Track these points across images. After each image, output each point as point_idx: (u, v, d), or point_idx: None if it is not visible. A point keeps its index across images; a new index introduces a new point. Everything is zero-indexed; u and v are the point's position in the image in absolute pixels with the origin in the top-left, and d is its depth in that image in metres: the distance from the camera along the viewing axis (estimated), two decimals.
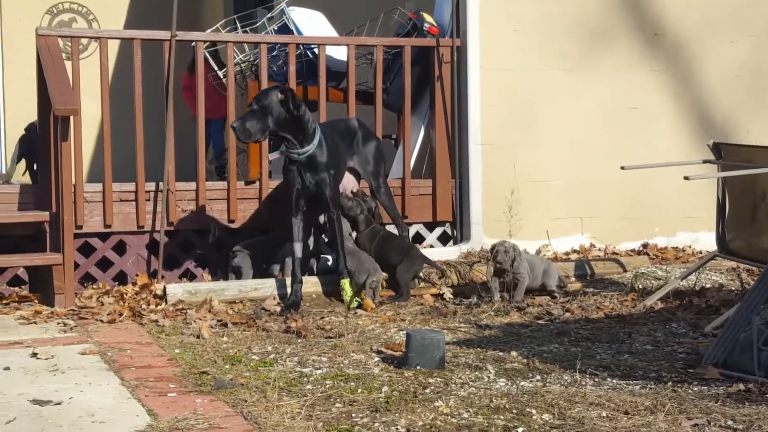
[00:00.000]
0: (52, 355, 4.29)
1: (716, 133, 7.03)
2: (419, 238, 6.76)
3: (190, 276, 6.23)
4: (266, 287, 5.67)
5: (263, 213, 6.34)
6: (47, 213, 5.83)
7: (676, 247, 7.12)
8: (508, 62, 6.90)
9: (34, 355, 4.28)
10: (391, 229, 6.16)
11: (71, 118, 5.61)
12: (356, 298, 5.50)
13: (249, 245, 6.03)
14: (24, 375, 3.96)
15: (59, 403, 3.52)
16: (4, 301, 5.66)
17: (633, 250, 7.06)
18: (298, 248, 5.54)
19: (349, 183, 5.95)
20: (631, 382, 3.81)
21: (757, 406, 3.43)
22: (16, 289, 5.96)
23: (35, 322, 5.11)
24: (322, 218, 5.85)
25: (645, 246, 7.12)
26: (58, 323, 5.07)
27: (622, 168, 5.60)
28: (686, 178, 4.79)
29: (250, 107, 5.41)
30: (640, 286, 5.78)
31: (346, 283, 5.54)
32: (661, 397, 3.52)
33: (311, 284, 5.71)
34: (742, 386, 3.66)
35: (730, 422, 3.25)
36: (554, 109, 7.03)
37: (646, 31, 7.24)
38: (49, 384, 3.80)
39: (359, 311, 5.37)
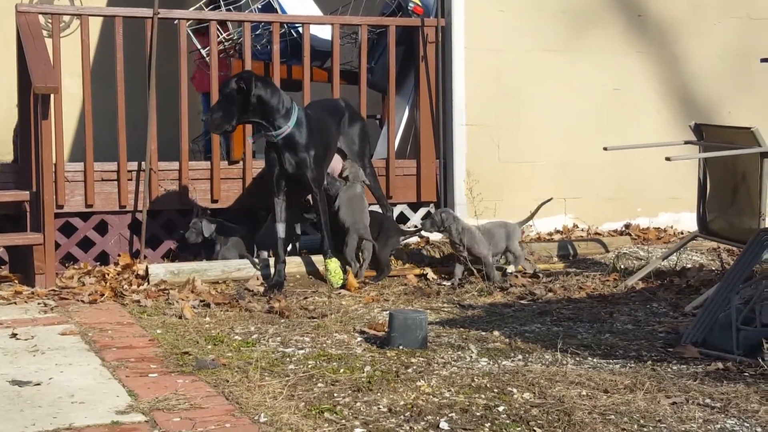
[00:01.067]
0: (32, 335, 4.27)
1: (699, 115, 7.04)
2: (403, 219, 6.76)
3: (173, 256, 6.21)
4: (249, 267, 5.66)
5: (249, 193, 6.32)
6: (27, 192, 5.79)
7: (658, 228, 7.16)
8: (494, 43, 6.88)
9: (14, 335, 4.27)
10: (376, 209, 6.15)
11: (51, 96, 5.56)
12: (341, 277, 5.47)
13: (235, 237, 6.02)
14: (3, 356, 3.94)
15: (39, 384, 3.51)
16: None
17: (615, 231, 7.09)
18: (281, 228, 5.53)
19: (337, 164, 5.94)
20: (611, 361, 3.83)
21: (735, 384, 3.46)
22: None
23: (15, 303, 5.09)
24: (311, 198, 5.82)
25: (627, 227, 7.15)
26: (39, 303, 5.05)
27: (605, 149, 5.61)
28: (668, 159, 4.80)
29: (218, 95, 5.38)
30: (622, 267, 5.81)
31: (330, 262, 5.53)
32: (640, 376, 3.55)
33: (294, 264, 5.70)
34: (720, 365, 3.69)
35: (708, 400, 3.27)
36: (540, 91, 7.03)
37: (631, 13, 7.23)
38: (28, 365, 3.79)
39: (343, 291, 5.37)
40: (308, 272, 5.71)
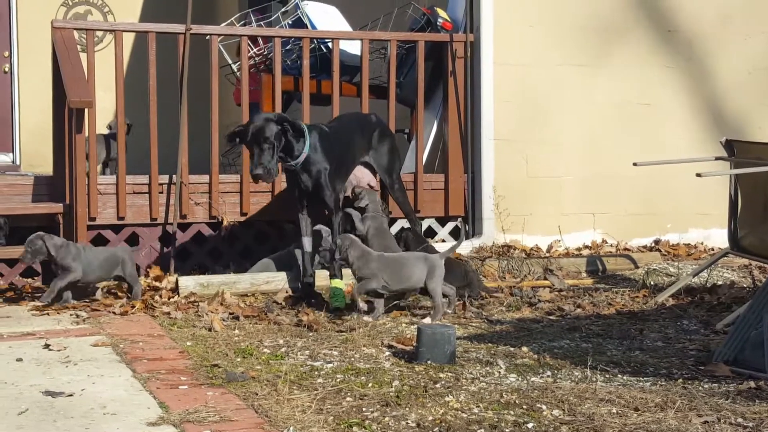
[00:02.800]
0: (65, 346, 4.32)
1: (728, 130, 7.01)
2: (431, 233, 6.77)
3: (202, 268, 6.26)
4: (278, 280, 5.69)
5: (277, 206, 6.36)
6: (61, 205, 5.87)
7: (688, 244, 7.11)
8: (522, 58, 6.89)
9: (47, 346, 4.32)
10: (404, 223, 6.17)
11: (85, 110, 5.64)
12: (339, 301, 5.23)
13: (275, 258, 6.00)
14: (36, 366, 3.99)
15: (71, 395, 3.54)
16: (17, 292, 5.70)
17: (645, 247, 7.05)
18: (306, 242, 5.55)
19: (365, 176, 5.95)
20: (641, 378, 3.81)
21: (767, 403, 3.43)
22: (29, 280, 6.00)
23: (48, 314, 5.14)
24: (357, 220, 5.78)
25: (657, 242, 7.11)
26: (71, 315, 5.11)
27: (635, 164, 5.59)
28: (698, 175, 4.77)
29: (257, 147, 5.24)
30: (652, 283, 5.78)
31: (336, 282, 5.36)
32: (671, 394, 3.52)
33: (322, 278, 5.71)
34: (752, 384, 3.66)
35: (740, 420, 3.25)
36: (568, 105, 7.02)
37: (660, 28, 7.22)
38: (61, 375, 3.83)
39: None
40: None
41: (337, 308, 5.18)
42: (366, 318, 4.91)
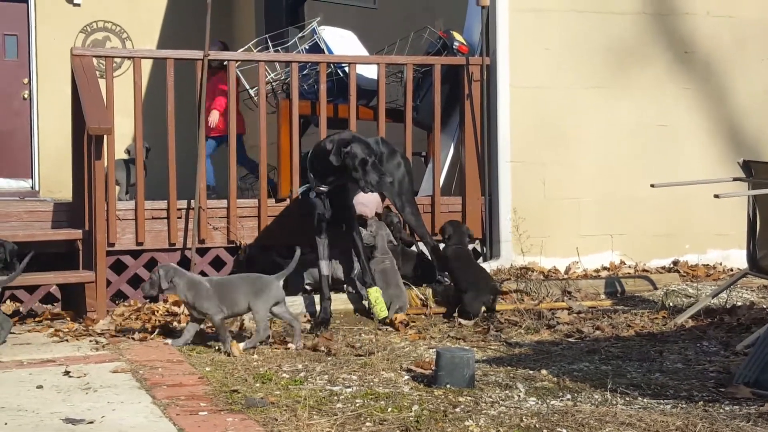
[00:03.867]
0: (85, 373, 4.33)
1: (746, 151, 6.98)
2: None
3: None
4: (296, 305, 5.69)
5: (294, 231, 6.38)
6: (80, 231, 5.90)
7: (707, 265, 7.08)
8: (538, 80, 6.91)
9: (67, 373, 4.33)
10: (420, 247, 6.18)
11: (104, 136, 5.69)
12: (385, 308, 5.48)
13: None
14: (57, 393, 4.00)
15: (92, 422, 3.55)
16: (36, 319, 5.73)
17: (663, 268, 7.02)
18: (324, 266, 5.57)
19: (371, 203, 5.94)
20: (662, 401, 3.79)
21: None
22: (49, 306, 6.03)
23: (67, 340, 5.17)
24: (364, 232, 5.83)
25: (675, 263, 7.08)
26: (91, 341, 5.12)
27: (652, 186, 5.58)
28: (716, 196, 4.77)
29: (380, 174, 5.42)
30: (671, 304, 5.75)
31: (373, 291, 5.55)
32: (692, 417, 3.50)
33: (340, 302, 5.73)
34: None
35: None
36: (584, 127, 7.02)
37: (677, 49, 7.22)
38: (81, 402, 3.84)
39: (389, 328, 5.38)
40: (354, 309, 5.74)
41: (383, 319, 5.37)
42: (167, 341, 4.93)
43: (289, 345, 4.85)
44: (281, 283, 4.89)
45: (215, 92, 7.74)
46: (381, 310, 5.50)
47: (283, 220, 6.42)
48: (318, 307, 5.59)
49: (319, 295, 5.62)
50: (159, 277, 4.83)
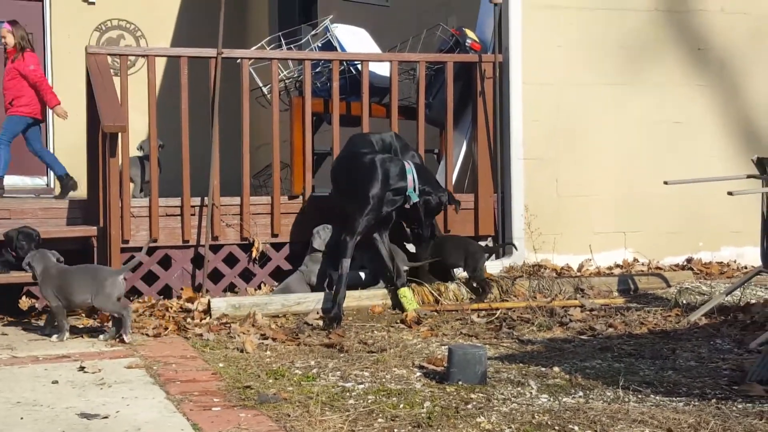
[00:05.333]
0: (99, 368, 4.36)
1: (760, 148, 6.95)
2: None
3: (231, 288, 6.29)
4: (309, 301, 5.71)
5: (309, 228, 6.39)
6: (95, 227, 5.94)
7: (721, 262, 7.05)
8: (551, 77, 6.90)
9: (82, 368, 4.37)
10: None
11: (119, 134, 5.72)
12: (414, 303, 5.67)
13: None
14: (72, 389, 4.04)
15: (106, 417, 3.58)
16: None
17: (677, 265, 7.01)
18: (346, 264, 5.60)
19: None
20: (674, 398, 3.78)
21: None
22: None
23: (82, 336, 5.20)
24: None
25: (689, 261, 7.06)
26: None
27: (666, 183, 5.57)
28: (730, 193, 4.76)
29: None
30: (684, 302, 5.74)
31: (404, 290, 5.70)
32: (705, 415, 3.50)
33: (353, 299, 5.74)
34: None
35: None
36: (598, 124, 7.01)
37: (691, 46, 7.20)
38: (96, 398, 3.88)
39: (401, 325, 5.40)
40: (367, 306, 5.75)
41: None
42: (52, 339, 5.04)
43: (101, 336, 5.03)
44: (122, 277, 5.07)
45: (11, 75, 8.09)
46: (409, 302, 5.67)
47: (297, 217, 6.43)
48: (331, 304, 5.61)
49: (333, 292, 5.64)
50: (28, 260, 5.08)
